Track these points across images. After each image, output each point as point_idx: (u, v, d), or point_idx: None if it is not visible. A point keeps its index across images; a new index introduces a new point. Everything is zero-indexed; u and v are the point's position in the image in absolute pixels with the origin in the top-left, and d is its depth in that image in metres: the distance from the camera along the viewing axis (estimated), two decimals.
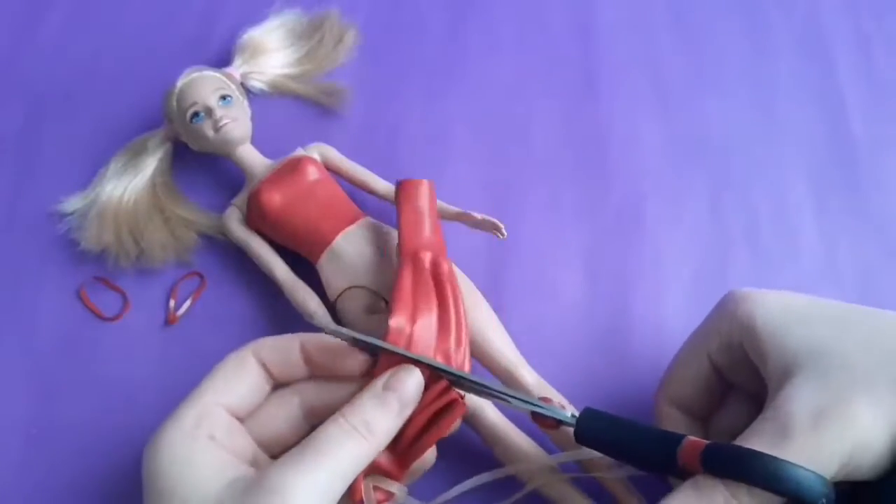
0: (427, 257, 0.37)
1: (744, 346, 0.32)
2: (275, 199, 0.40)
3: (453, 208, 0.41)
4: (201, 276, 0.43)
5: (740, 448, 0.28)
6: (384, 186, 0.43)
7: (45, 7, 0.52)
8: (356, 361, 0.32)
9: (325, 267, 0.40)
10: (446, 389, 0.31)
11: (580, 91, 0.49)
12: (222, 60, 0.47)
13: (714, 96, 0.49)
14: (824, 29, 0.51)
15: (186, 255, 0.43)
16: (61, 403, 0.40)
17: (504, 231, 0.40)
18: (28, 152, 0.47)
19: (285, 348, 0.32)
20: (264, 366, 0.32)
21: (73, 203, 0.44)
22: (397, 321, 0.34)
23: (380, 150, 0.46)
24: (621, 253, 0.44)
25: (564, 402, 0.37)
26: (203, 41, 0.50)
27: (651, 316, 0.42)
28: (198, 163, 0.45)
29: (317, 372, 0.32)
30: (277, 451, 0.30)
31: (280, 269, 0.41)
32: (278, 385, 0.33)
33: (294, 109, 0.48)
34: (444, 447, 0.35)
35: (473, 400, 0.36)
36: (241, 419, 0.32)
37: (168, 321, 0.42)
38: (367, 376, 0.32)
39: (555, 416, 0.32)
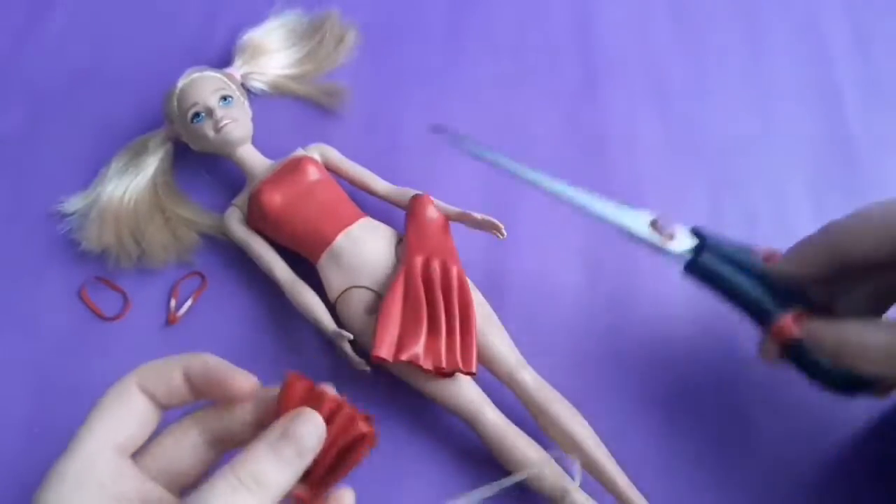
0: (420, 261, 0.38)
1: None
2: (275, 199, 0.40)
3: (453, 208, 0.41)
4: (202, 276, 0.43)
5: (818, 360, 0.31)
6: (384, 186, 0.43)
7: (45, 7, 0.52)
8: (241, 385, 0.30)
9: (325, 267, 0.40)
10: (353, 421, 0.29)
11: (580, 91, 0.49)
12: (223, 61, 0.47)
13: (714, 96, 0.49)
14: (823, 29, 0.51)
15: (187, 256, 0.43)
16: (62, 403, 0.40)
17: (504, 231, 0.40)
18: (28, 152, 0.47)
19: (167, 374, 0.30)
20: (149, 393, 0.30)
21: (73, 203, 0.44)
22: (380, 350, 0.36)
23: (380, 150, 0.46)
24: (621, 253, 0.44)
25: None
26: (203, 41, 0.50)
27: (651, 316, 0.42)
28: (198, 163, 0.45)
29: (200, 396, 0.31)
30: (185, 482, 0.29)
31: (280, 269, 0.41)
32: (167, 409, 0.31)
33: (294, 110, 0.48)
34: (443, 446, 0.35)
35: (474, 400, 0.36)
36: (133, 454, 0.30)
37: (169, 321, 0.42)
38: (270, 410, 0.30)
39: (667, 252, 0.35)
